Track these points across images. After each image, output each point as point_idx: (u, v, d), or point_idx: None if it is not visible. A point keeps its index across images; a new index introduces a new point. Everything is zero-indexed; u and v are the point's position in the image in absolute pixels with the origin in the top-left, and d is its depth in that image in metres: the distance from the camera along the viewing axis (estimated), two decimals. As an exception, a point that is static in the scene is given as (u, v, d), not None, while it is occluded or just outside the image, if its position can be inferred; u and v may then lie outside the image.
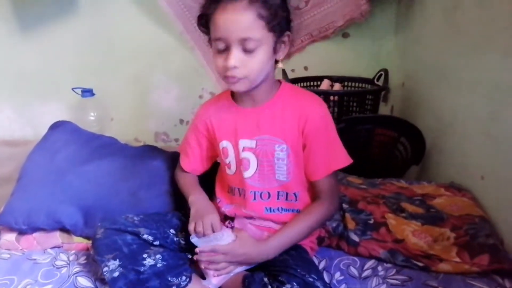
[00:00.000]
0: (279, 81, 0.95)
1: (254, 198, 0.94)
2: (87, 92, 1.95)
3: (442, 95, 1.41)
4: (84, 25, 2.08)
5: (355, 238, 1.01)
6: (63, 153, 1.17)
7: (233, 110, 0.94)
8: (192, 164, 1.04)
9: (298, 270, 0.82)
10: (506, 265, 0.90)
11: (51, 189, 1.09)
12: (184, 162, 1.04)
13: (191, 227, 0.87)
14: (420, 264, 0.94)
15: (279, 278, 0.79)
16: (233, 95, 0.95)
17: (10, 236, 1.06)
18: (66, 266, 0.98)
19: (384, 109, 1.93)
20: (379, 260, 0.97)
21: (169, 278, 0.84)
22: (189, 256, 0.91)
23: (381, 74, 1.73)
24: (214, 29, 0.82)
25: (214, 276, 0.85)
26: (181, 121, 2.20)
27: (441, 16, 1.44)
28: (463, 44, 1.27)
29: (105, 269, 0.83)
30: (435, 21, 1.49)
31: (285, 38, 0.86)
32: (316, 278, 0.81)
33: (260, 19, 0.79)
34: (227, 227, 0.94)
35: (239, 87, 0.85)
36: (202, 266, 0.86)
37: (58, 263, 0.99)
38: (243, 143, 0.92)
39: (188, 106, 2.15)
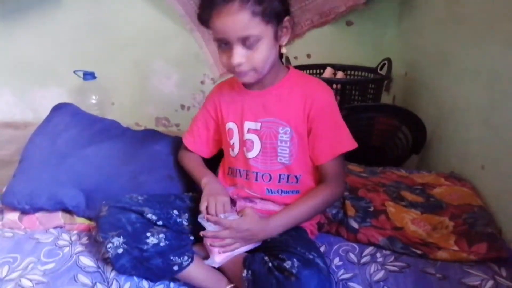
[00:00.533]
0: (287, 67, 0.97)
1: (256, 179, 0.96)
2: (89, 75, 1.94)
3: (444, 85, 1.41)
4: (83, 9, 2.06)
5: (355, 225, 1.02)
6: (65, 136, 1.17)
7: (241, 92, 0.97)
8: (198, 144, 1.06)
9: (298, 249, 0.83)
10: (503, 253, 0.91)
11: (53, 171, 1.09)
12: (189, 141, 1.07)
13: (203, 206, 0.89)
14: (418, 251, 0.95)
15: (279, 256, 0.81)
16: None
17: (13, 216, 1.07)
18: (68, 246, 0.99)
19: (386, 99, 1.93)
20: (378, 247, 0.98)
21: (172, 258, 0.85)
22: (191, 238, 0.93)
23: (384, 63, 1.72)
24: (214, 30, 0.84)
25: (219, 253, 0.86)
26: (182, 106, 2.20)
27: (444, 5, 1.43)
28: (465, 33, 1.26)
29: (109, 245, 0.85)
30: (438, 10, 1.48)
31: (286, 24, 0.87)
32: (316, 255, 0.83)
33: (255, 16, 0.80)
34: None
35: (249, 79, 0.88)
36: (208, 242, 0.87)
37: (61, 242, 1.00)
38: (248, 124, 0.95)
39: (189, 91, 2.15)
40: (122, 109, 2.17)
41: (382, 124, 1.48)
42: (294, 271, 0.77)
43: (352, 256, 0.96)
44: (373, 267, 0.92)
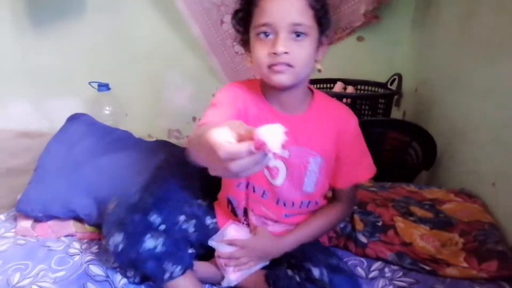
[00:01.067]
0: (309, 87, 0.91)
1: (277, 203, 0.92)
2: (103, 87, 1.99)
3: (455, 102, 1.41)
4: (101, 22, 2.12)
5: (363, 239, 1.01)
6: (80, 145, 1.20)
7: (264, 109, 0.87)
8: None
9: (319, 257, 0.82)
10: (515, 272, 0.90)
11: (67, 179, 1.12)
12: (208, 118, 0.80)
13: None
14: (427, 267, 0.94)
15: (304, 266, 0.79)
16: (263, 93, 0.89)
17: (26, 223, 1.09)
18: (79, 254, 1.00)
19: (396, 114, 1.93)
20: (386, 262, 0.97)
21: (165, 265, 0.84)
22: (190, 252, 0.90)
23: (394, 79, 1.73)
24: (261, 15, 0.78)
25: (234, 272, 0.86)
26: (194, 118, 2.23)
27: (457, 22, 1.44)
28: (478, 50, 1.27)
29: (111, 241, 0.84)
30: (451, 27, 1.49)
31: (325, 39, 0.84)
32: (338, 260, 0.83)
33: (310, 8, 0.77)
34: (243, 223, 0.95)
35: (284, 80, 0.79)
36: (222, 262, 0.87)
37: (71, 250, 1.02)
38: None
39: (201, 104, 2.17)
40: (135, 120, 2.20)
41: (393, 140, 1.47)
42: (325, 279, 0.76)
43: (360, 271, 0.95)
44: (381, 282, 0.91)
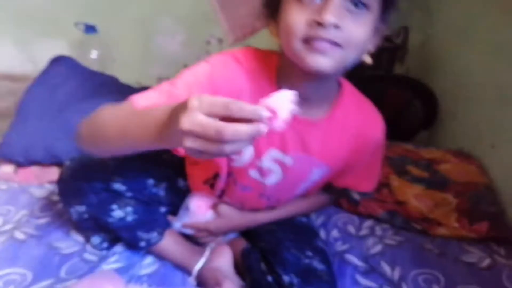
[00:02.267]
0: (338, 82, 0.72)
1: (260, 197, 0.80)
2: (90, 28, 1.87)
3: (462, 58, 1.34)
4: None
5: (356, 196, 0.98)
6: (63, 89, 1.14)
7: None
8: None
9: (291, 250, 0.76)
10: (504, 233, 0.90)
11: (49, 124, 1.07)
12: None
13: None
14: (418, 227, 0.93)
15: (275, 268, 0.74)
16: (278, 79, 0.67)
17: (8, 168, 1.06)
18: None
19: (399, 70, 1.85)
20: (378, 220, 0.96)
21: (139, 233, 0.79)
22: (163, 210, 0.84)
23: (400, 32, 1.64)
24: None
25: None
26: (186, 66, 2.14)
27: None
28: (492, 6, 1.18)
29: (72, 210, 0.78)
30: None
31: (382, 26, 0.62)
32: (312, 254, 0.77)
33: None
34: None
35: (325, 64, 0.56)
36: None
37: (55, 197, 0.99)
38: (274, 153, 0.71)
39: (194, 51, 2.08)
40: (123, 66, 2.10)
41: (394, 97, 1.42)
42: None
43: (350, 228, 0.94)
44: (371, 240, 0.90)
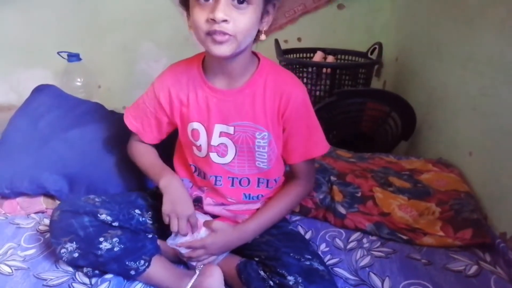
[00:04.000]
0: (255, 55, 0.85)
1: (232, 184, 0.88)
2: (74, 57, 1.89)
3: (435, 71, 1.40)
4: (69, -12, 1.99)
5: (342, 210, 1.01)
6: (47, 118, 1.14)
7: (205, 88, 0.83)
8: (148, 133, 0.92)
9: (291, 255, 0.79)
10: (488, 239, 0.92)
11: (34, 154, 1.06)
12: (137, 129, 0.92)
13: (165, 220, 0.81)
14: (404, 237, 0.95)
15: (278, 270, 0.76)
16: (204, 67, 0.85)
17: (-7, 201, 1.04)
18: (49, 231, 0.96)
19: (376, 84, 1.91)
20: (365, 232, 0.98)
21: (127, 263, 0.80)
22: (150, 236, 0.87)
23: (375, 48, 1.70)
24: None
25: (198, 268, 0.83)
26: (171, 90, 2.16)
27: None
28: (458, 19, 1.25)
29: (63, 250, 0.80)
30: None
31: (271, 8, 0.77)
32: (310, 257, 0.79)
33: None
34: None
35: (224, 50, 0.73)
36: (184, 258, 0.85)
37: (42, 228, 0.98)
38: (219, 128, 0.84)
39: (178, 75, 2.11)
40: (108, 92, 2.12)
41: (372, 110, 1.46)
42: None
43: (338, 242, 0.95)
44: (359, 253, 0.91)
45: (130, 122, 0.92)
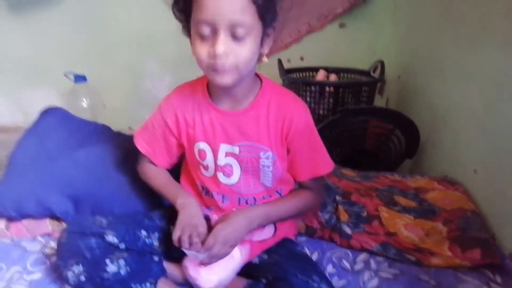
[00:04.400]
0: (258, 76, 0.88)
1: (239, 203, 0.90)
2: (80, 78, 1.92)
3: (438, 88, 1.41)
4: (77, 9, 2.03)
5: (348, 230, 1.00)
6: (54, 140, 1.15)
7: (211, 110, 0.86)
8: (159, 157, 0.95)
9: (299, 276, 0.78)
10: (497, 259, 0.91)
11: (41, 176, 1.07)
12: (148, 152, 0.94)
13: (175, 236, 0.80)
14: (411, 257, 0.94)
15: None
16: (209, 90, 0.87)
17: (-1, 223, 1.05)
18: (55, 254, 0.95)
19: (379, 102, 1.92)
20: (371, 253, 0.97)
21: (133, 286, 0.81)
22: (156, 259, 0.88)
23: (377, 66, 1.72)
24: (200, 10, 0.72)
25: (206, 276, 0.81)
26: (175, 109, 2.18)
27: (438, 7, 1.42)
28: (460, 36, 1.26)
29: (70, 273, 0.79)
30: (432, 12, 1.48)
31: (271, 31, 0.79)
32: (318, 279, 0.79)
33: (253, 3, 0.71)
34: None
35: (226, 80, 0.76)
36: (192, 271, 0.83)
37: (48, 251, 0.98)
38: (225, 147, 0.86)
39: (182, 94, 2.13)
40: (114, 112, 2.13)
41: (376, 128, 1.47)
42: None
43: (345, 263, 0.95)
44: (366, 275, 0.91)
45: (141, 145, 0.95)
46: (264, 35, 0.78)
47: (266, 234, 0.91)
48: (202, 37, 0.74)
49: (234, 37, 0.72)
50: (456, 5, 1.28)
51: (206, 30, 0.73)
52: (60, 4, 2.02)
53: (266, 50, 0.81)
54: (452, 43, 1.31)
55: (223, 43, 0.72)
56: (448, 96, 1.32)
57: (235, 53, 0.73)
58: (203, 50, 0.74)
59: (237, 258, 0.84)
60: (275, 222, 0.90)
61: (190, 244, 0.78)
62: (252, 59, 0.77)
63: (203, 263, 0.82)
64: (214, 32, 0.72)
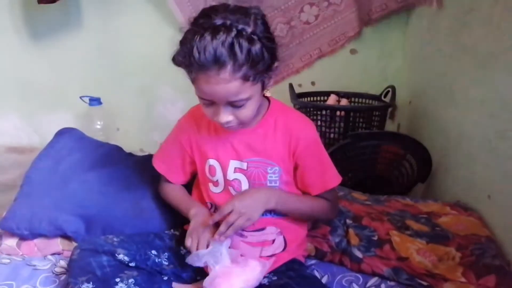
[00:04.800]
0: (266, 98, 0.91)
1: None
2: (95, 101, 1.97)
3: (449, 114, 1.41)
4: (91, 36, 2.11)
5: (359, 254, 0.99)
6: (68, 160, 1.18)
7: (220, 129, 0.90)
8: (175, 175, 1.01)
9: None
10: (513, 287, 0.88)
11: (54, 196, 1.09)
12: (165, 171, 1.01)
13: (187, 242, 0.84)
14: (424, 283, 0.92)
15: None
16: None
17: (11, 241, 1.06)
18: (65, 273, 0.96)
19: (390, 127, 1.92)
20: (383, 277, 0.95)
21: None
22: (165, 279, 0.89)
23: (388, 91, 1.73)
24: (199, 90, 0.77)
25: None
26: (187, 132, 2.21)
27: (449, 34, 1.44)
28: (470, 62, 1.27)
29: None
30: (443, 39, 1.50)
31: (271, 72, 0.81)
32: None
33: (246, 81, 0.75)
34: None
35: (234, 129, 0.84)
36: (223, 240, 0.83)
37: (58, 270, 0.98)
38: (234, 164, 0.90)
39: (194, 118, 2.16)
40: (127, 135, 2.18)
41: (387, 153, 1.46)
42: None
43: (355, 287, 0.93)
44: (377, 300, 0.89)
45: (158, 165, 1.01)
46: (266, 80, 0.82)
47: (277, 248, 0.92)
48: (206, 105, 0.80)
49: (235, 106, 0.78)
50: (467, 33, 1.30)
51: (206, 102, 0.79)
52: (77, 33, 2.11)
53: (270, 85, 0.85)
54: (463, 70, 1.32)
55: (224, 114, 0.78)
56: (459, 120, 1.32)
57: (237, 115, 0.79)
58: (208, 112, 0.81)
59: (257, 271, 0.83)
60: (290, 213, 0.92)
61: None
62: (256, 110, 0.83)
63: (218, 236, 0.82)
64: (215, 104, 0.78)
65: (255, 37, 0.73)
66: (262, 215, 0.89)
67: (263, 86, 0.82)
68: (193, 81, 0.77)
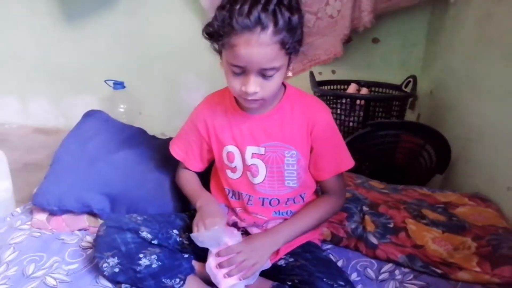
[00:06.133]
0: (283, 83, 0.92)
1: (263, 204, 0.94)
2: (119, 85, 2.02)
3: (471, 105, 1.39)
4: (121, 22, 2.16)
5: (374, 240, 1.01)
6: (95, 141, 1.22)
7: (237, 116, 0.92)
8: (192, 161, 1.02)
9: (324, 280, 0.80)
10: (529, 278, 0.88)
11: (81, 175, 1.14)
12: (182, 157, 1.02)
13: (194, 230, 0.85)
14: (439, 271, 0.93)
15: None
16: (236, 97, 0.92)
17: (42, 216, 1.12)
18: (91, 248, 1.02)
19: (410, 117, 1.91)
20: (397, 264, 0.97)
21: (163, 280, 0.85)
22: (186, 256, 0.92)
23: (409, 81, 1.71)
24: (232, 56, 0.76)
25: (224, 278, 0.82)
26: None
27: (474, 25, 1.42)
28: (495, 53, 1.25)
29: (105, 265, 0.85)
30: (468, 29, 1.47)
31: (299, 49, 0.83)
32: (344, 284, 0.81)
33: (283, 47, 0.76)
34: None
35: (253, 106, 0.85)
36: (224, 272, 0.83)
37: (84, 244, 1.04)
38: (251, 149, 0.91)
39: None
40: (149, 119, 2.23)
41: (406, 142, 1.46)
42: None
43: (370, 272, 0.95)
44: (391, 285, 0.91)
45: (176, 152, 1.03)
46: (290, 61, 0.83)
47: None
48: (234, 73, 0.79)
49: (264, 76, 0.79)
50: (492, 23, 1.27)
51: (237, 70, 0.78)
52: (108, 18, 2.15)
53: (291, 68, 0.85)
54: (487, 60, 1.30)
55: (253, 83, 0.78)
56: (482, 112, 1.31)
57: (263, 87, 0.80)
58: (235, 83, 0.81)
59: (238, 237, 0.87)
60: (300, 235, 0.92)
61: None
62: (279, 87, 0.84)
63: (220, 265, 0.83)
64: (245, 72, 0.78)
65: (294, 7, 0.76)
66: (279, 214, 0.94)
67: (289, 63, 0.82)
68: (228, 47, 0.76)
